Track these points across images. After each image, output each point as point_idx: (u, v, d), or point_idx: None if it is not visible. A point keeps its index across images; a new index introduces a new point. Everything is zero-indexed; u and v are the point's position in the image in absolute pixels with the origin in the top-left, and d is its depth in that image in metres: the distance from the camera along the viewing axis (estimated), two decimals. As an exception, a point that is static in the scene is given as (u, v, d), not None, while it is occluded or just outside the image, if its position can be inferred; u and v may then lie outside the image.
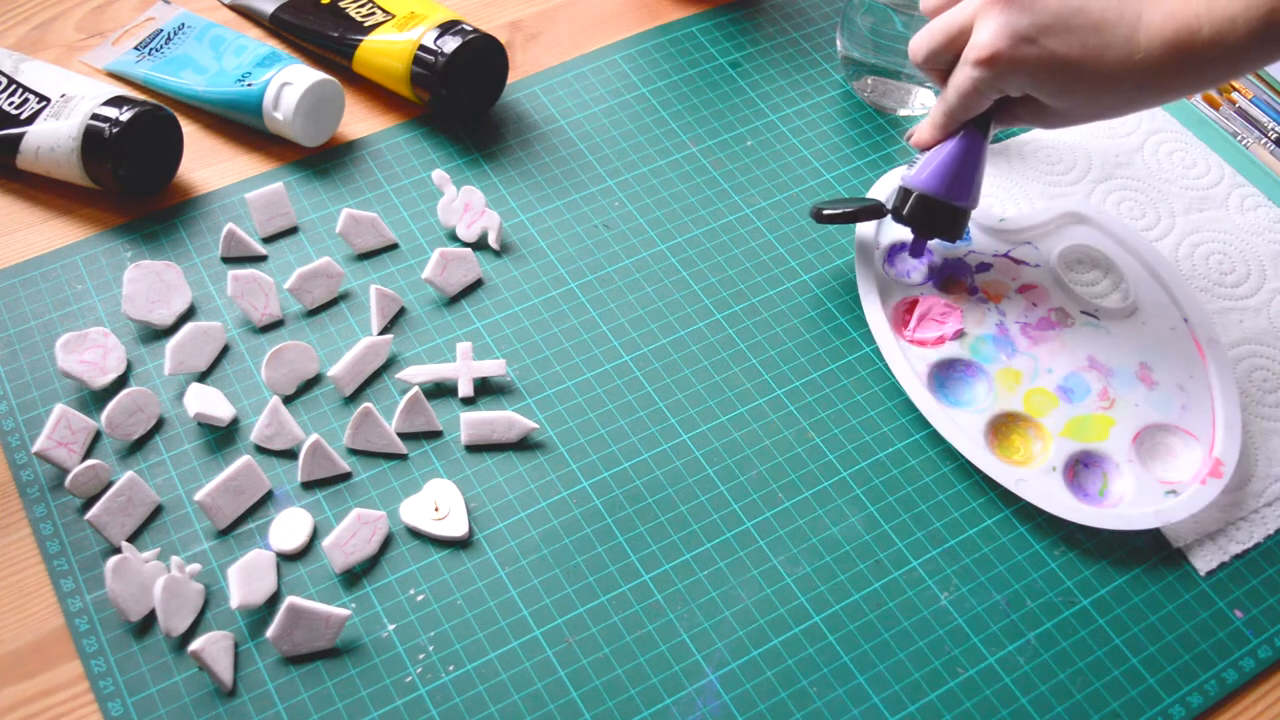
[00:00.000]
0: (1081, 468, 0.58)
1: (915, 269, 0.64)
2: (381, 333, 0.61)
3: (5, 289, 0.62)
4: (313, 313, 0.62)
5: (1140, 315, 0.62)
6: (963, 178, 0.59)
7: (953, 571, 0.55)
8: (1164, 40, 0.51)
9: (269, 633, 0.50)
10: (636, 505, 0.56)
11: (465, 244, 0.64)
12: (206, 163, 0.68)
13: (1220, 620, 0.54)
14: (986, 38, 0.53)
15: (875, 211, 0.62)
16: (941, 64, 0.57)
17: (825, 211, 0.61)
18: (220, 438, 0.57)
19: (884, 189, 0.65)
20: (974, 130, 0.58)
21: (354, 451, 0.57)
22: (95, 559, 0.53)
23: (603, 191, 0.67)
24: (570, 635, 0.52)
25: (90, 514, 0.52)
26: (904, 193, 0.60)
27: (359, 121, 0.70)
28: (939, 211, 0.59)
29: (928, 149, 0.60)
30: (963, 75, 0.55)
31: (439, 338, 0.61)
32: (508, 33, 0.75)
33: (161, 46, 0.71)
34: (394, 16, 0.69)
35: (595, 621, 0.53)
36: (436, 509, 0.55)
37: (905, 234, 0.64)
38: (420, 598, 0.53)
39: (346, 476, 0.56)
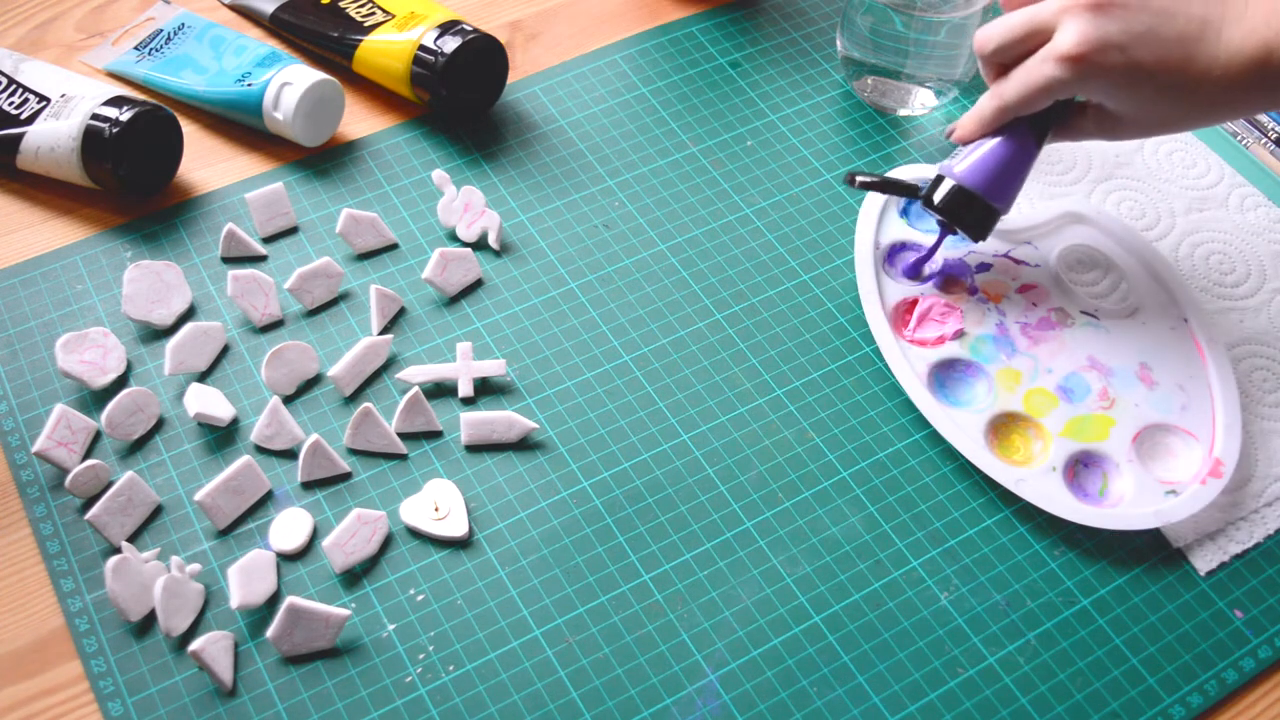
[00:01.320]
0: (1081, 468, 0.58)
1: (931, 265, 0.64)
2: (381, 333, 0.61)
3: (5, 289, 0.62)
4: (313, 313, 0.62)
5: (1140, 315, 0.62)
6: (1006, 180, 0.58)
7: (953, 571, 0.55)
8: (1244, 57, 0.51)
9: (269, 633, 0.50)
10: (636, 505, 0.56)
11: (465, 244, 0.64)
12: (206, 163, 0.68)
13: (1220, 620, 0.54)
14: (1074, 38, 0.53)
15: (908, 190, 0.61)
16: (1007, 58, 0.56)
17: (859, 178, 0.60)
18: (220, 438, 0.57)
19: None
20: (1029, 136, 0.57)
21: (354, 451, 0.57)
22: (95, 559, 0.53)
23: (603, 191, 0.67)
24: (570, 635, 0.52)
25: (90, 514, 0.52)
26: (939, 180, 0.59)
27: (359, 121, 0.70)
28: (972, 207, 0.58)
29: (968, 143, 0.59)
30: (1037, 71, 0.54)
31: (439, 338, 0.61)
32: (508, 33, 0.75)
33: (161, 46, 0.71)
34: (394, 16, 0.69)
35: (595, 621, 0.53)
36: (436, 509, 0.55)
37: (907, 234, 0.64)
38: (420, 598, 0.53)
39: (346, 476, 0.56)
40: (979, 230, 0.59)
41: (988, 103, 0.57)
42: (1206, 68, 0.52)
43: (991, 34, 0.57)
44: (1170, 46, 0.52)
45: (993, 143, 0.58)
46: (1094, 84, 0.54)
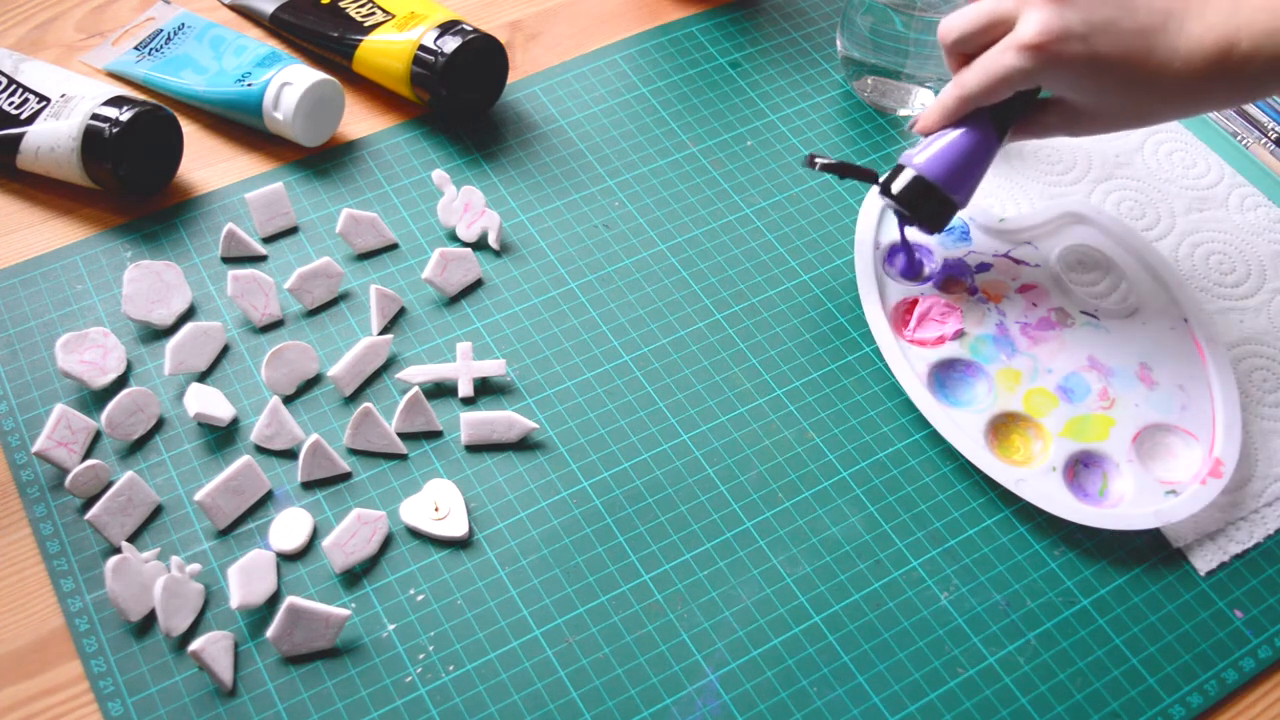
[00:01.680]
0: (1081, 468, 0.58)
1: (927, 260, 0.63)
2: (381, 333, 0.61)
3: (5, 289, 0.62)
4: (313, 313, 0.62)
5: (1140, 315, 0.62)
6: (965, 172, 0.58)
7: (953, 571, 0.55)
8: (1204, 50, 0.52)
9: (269, 633, 0.50)
10: (636, 505, 0.56)
11: (465, 244, 0.64)
12: (206, 163, 0.68)
13: (1220, 620, 0.54)
14: (1036, 27, 0.53)
15: (866, 176, 0.60)
16: (970, 48, 0.56)
17: (819, 160, 0.60)
18: (220, 438, 0.57)
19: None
20: (991, 129, 0.57)
21: (354, 451, 0.57)
22: (95, 559, 0.53)
23: (603, 191, 0.67)
24: (570, 635, 0.52)
25: (90, 514, 0.52)
26: (899, 169, 0.59)
27: (359, 121, 0.70)
28: (929, 198, 0.58)
29: (930, 134, 0.59)
30: (998, 60, 0.55)
31: (439, 338, 0.61)
32: (508, 33, 0.75)
33: (161, 46, 0.71)
34: (394, 16, 0.69)
35: (595, 621, 0.53)
36: (436, 509, 0.55)
37: (907, 234, 0.64)
38: (420, 598, 0.53)
39: (346, 476, 0.56)
40: (935, 222, 0.59)
41: (950, 93, 0.57)
42: (1166, 60, 0.52)
43: (954, 23, 0.57)
44: (1131, 38, 0.52)
45: (954, 134, 0.58)
46: (1055, 74, 0.54)
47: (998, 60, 0.55)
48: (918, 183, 0.58)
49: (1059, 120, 0.58)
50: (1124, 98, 0.54)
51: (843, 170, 0.61)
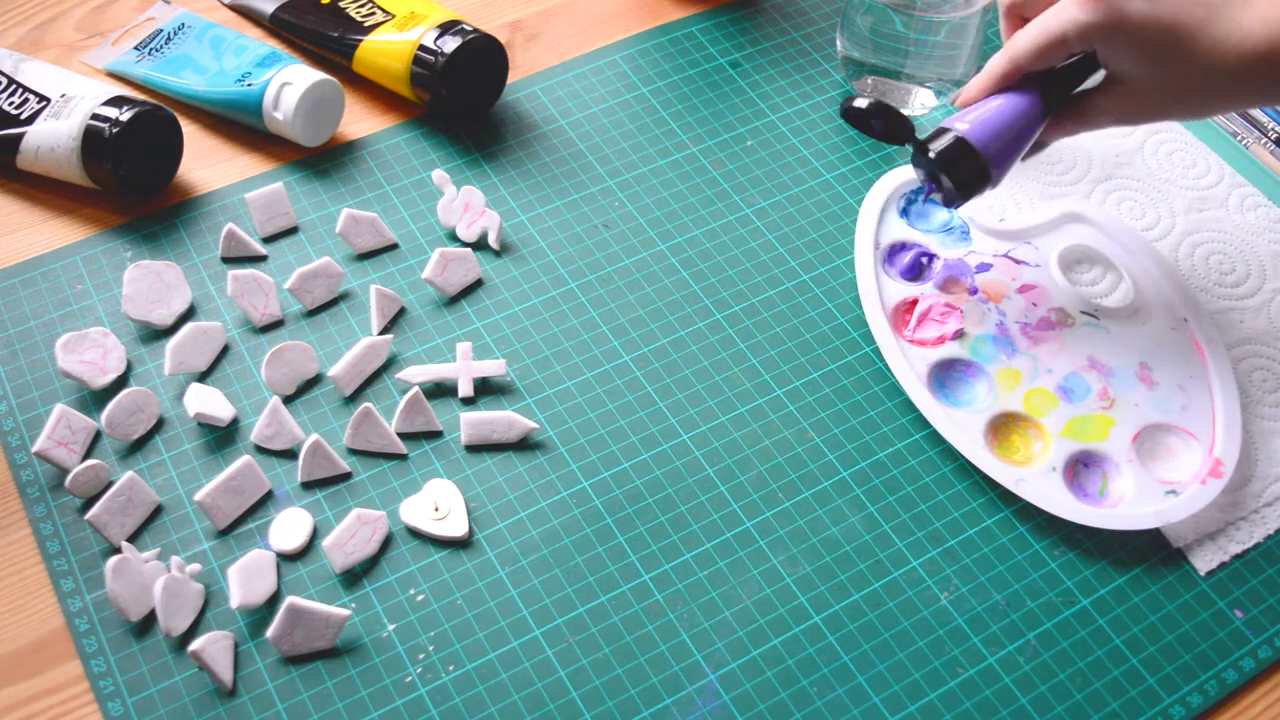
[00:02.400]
0: (1081, 468, 0.58)
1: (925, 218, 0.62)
2: (381, 333, 0.61)
3: (5, 289, 0.62)
4: (313, 313, 0.62)
5: (1140, 315, 0.62)
6: (1009, 143, 0.55)
7: (953, 571, 0.55)
8: (1267, 27, 0.51)
9: (269, 633, 0.50)
10: (636, 505, 0.56)
11: (465, 244, 0.64)
12: (206, 163, 0.68)
13: (1220, 620, 0.54)
14: None
15: (902, 126, 0.57)
16: (1028, 11, 0.56)
17: (854, 104, 0.57)
18: (220, 438, 0.57)
19: (884, 190, 0.65)
20: (1038, 103, 0.55)
21: (354, 451, 0.57)
22: (95, 559, 0.53)
23: (603, 191, 0.67)
24: (570, 635, 0.52)
25: (90, 514, 0.52)
26: (940, 131, 0.56)
27: (359, 121, 0.70)
28: (967, 165, 0.55)
29: (972, 104, 0.57)
30: (1056, 16, 0.53)
31: (439, 338, 0.61)
32: (508, 33, 0.75)
33: (161, 46, 0.71)
34: (394, 16, 0.69)
35: (595, 621, 0.53)
36: (436, 509, 0.55)
37: (907, 234, 0.64)
38: (420, 598, 0.53)
39: (346, 476, 0.56)
40: (966, 189, 0.56)
41: (999, 57, 0.56)
42: (1227, 33, 0.52)
43: None
44: (1192, 6, 0.52)
45: (1000, 101, 0.56)
46: (1113, 37, 0.53)
47: (1056, 17, 0.53)
48: (960, 144, 0.55)
49: (1109, 103, 0.56)
50: (1179, 72, 0.53)
51: (880, 112, 0.57)
